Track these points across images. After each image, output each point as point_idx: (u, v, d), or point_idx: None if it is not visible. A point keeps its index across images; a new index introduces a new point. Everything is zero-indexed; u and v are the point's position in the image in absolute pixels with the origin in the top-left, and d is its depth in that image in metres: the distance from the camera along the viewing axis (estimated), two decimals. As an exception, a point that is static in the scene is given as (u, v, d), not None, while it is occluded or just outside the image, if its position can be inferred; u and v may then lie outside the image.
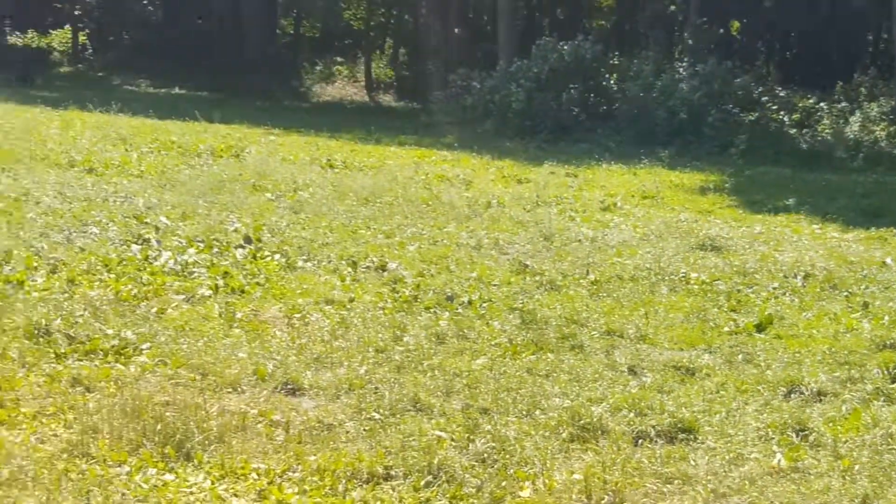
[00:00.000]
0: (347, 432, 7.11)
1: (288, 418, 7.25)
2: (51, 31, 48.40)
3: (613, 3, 46.83)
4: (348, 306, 10.23)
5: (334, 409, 7.52)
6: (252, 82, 38.51)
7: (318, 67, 45.80)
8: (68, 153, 18.86)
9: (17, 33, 48.72)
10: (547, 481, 6.50)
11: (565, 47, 31.08)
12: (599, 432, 7.29)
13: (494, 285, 11.47)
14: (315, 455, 6.65)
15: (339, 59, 46.53)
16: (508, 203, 17.15)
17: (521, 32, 37.85)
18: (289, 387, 7.94)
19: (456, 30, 41.91)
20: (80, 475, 6.14)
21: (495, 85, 31.53)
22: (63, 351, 8.33)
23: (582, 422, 7.39)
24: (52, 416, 7.02)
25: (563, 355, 9.08)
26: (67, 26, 48.11)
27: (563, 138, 28.46)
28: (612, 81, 31.47)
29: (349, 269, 11.77)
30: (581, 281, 11.85)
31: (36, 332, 8.65)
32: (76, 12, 47.44)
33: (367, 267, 11.95)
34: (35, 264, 10.88)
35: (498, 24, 36.76)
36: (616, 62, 33.58)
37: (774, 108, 29.77)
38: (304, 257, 12.16)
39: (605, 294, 11.35)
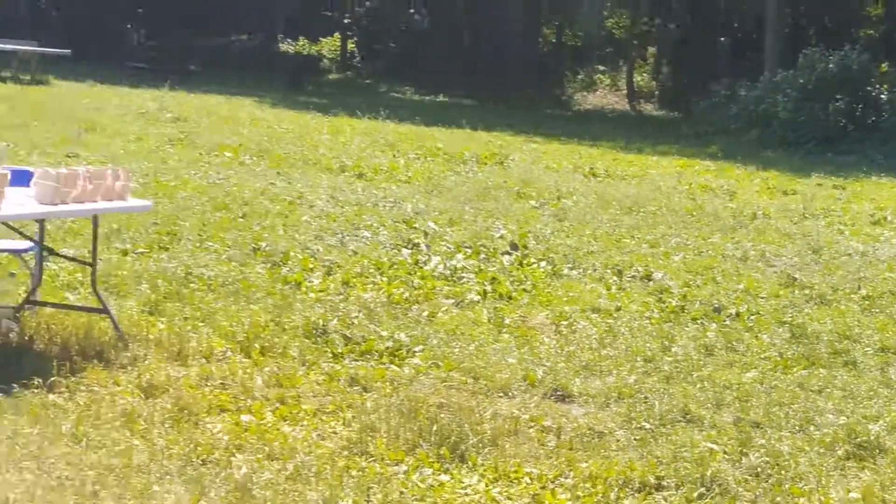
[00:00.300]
0: (618, 441, 7.14)
1: (559, 424, 7.32)
2: (320, 38, 49.85)
3: (882, 13, 45.51)
4: (615, 315, 10.25)
5: (604, 416, 7.56)
6: (514, 90, 38.82)
7: (579, 76, 45.85)
8: (339, 158, 19.38)
9: (289, 41, 50.35)
10: (823, 499, 6.40)
11: (831, 57, 30.37)
12: (877, 451, 7.14)
13: (762, 298, 11.33)
14: (586, 462, 6.70)
15: (600, 67, 46.46)
16: (774, 214, 16.88)
17: (788, 41, 37.11)
18: (558, 393, 8.01)
19: (721, 39, 41.39)
20: (360, 472, 6.32)
21: (760, 95, 31.02)
22: (340, 351, 8.60)
23: (858, 439, 7.24)
24: (332, 414, 7.25)
25: (836, 371, 8.92)
26: (336, 34, 49.45)
27: (829, 149, 27.80)
28: (881, 92, 30.60)
29: (614, 278, 11.80)
30: (852, 296, 11.60)
31: (314, 331, 8.96)
32: (345, 21, 48.71)
33: (633, 276, 11.95)
34: (311, 266, 11.25)
35: (765, 33, 36.15)
36: (885, 72, 32.63)
37: None
38: (570, 265, 12.24)
39: (877, 310, 11.09)
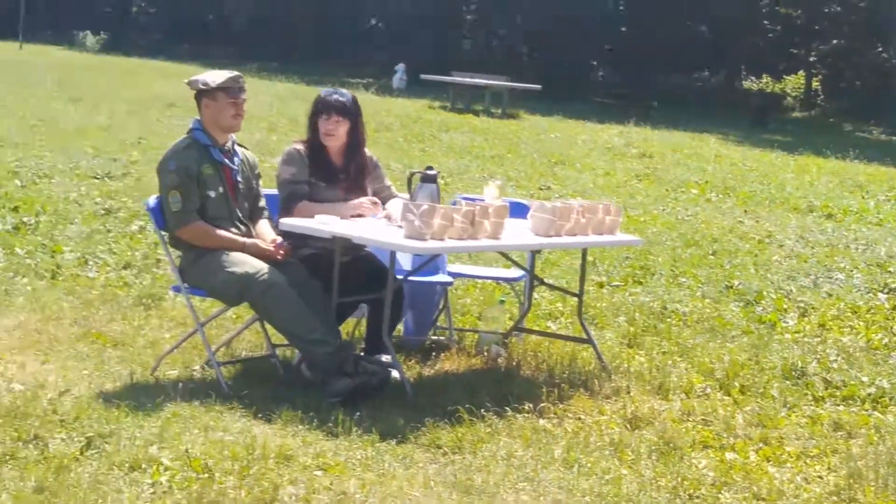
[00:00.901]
0: None
1: None
2: (784, 76, 49.31)
3: None
4: None
5: None
6: None
7: None
8: (806, 198, 19.08)
9: (752, 78, 50.08)
10: None
11: None
12: None
13: None
14: None
15: None
16: None
17: None
18: None
19: None
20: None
21: None
22: (820, 394, 8.50)
23: None
24: (816, 458, 7.16)
25: None
26: (801, 72, 48.76)
27: None
28: None
29: None
30: None
31: (793, 373, 8.89)
32: (811, 58, 47.93)
33: None
34: (785, 306, 11.16)
35: None
36: None
37: None
38: None
39: None
